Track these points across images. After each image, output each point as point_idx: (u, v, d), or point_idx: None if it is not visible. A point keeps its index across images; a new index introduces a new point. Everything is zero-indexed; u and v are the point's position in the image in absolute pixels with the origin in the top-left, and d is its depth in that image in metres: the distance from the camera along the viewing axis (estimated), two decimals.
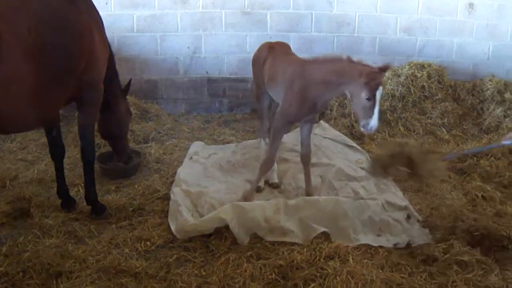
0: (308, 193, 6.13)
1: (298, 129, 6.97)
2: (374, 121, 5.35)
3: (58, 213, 5.75)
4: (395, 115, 9.14)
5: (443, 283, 4.62)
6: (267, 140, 6.77)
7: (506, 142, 5.47)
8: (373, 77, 5.19)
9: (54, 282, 4.46)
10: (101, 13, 5.58)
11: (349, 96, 5.52)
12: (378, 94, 5.27)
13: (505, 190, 6.59)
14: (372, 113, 5.32)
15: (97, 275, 4.56)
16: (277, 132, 5.99)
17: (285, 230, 5.38)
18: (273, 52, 6.47)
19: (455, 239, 5.20)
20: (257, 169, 6.32)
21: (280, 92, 6.01)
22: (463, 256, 4.93)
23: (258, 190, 6.49)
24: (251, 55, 7.06)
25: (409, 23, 9.98)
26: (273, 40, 7.60)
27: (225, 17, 9.47)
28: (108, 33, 5.80)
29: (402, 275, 4.68)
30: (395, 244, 5.33)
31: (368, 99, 5.23)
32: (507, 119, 9.17)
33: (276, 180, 6.63)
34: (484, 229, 5.26)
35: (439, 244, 5.20)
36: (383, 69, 5.39)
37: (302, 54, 6.63)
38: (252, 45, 9.14)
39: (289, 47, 6.92)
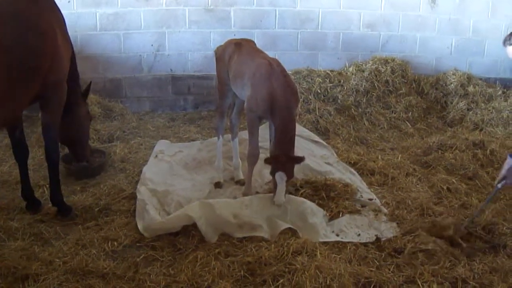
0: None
1: (264, 125, 7.01)
2: (276, 197, 5.53)
3: (23, 215, 5.67)
4: (360, 110, 9.24)
5: (410, 275, 4.68)
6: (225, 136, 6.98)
7: (499, 185, 5.26)
8: (277, 162, 5.51)
9: (21, 285, 4.40)
10: (63, 12, 5.52)
11: None
12: (278, 177, 5.44)
13: (470, 182, 6.71)
14: (275, 189, 5.52)
15: (64, 277, 4.51)
16: (250, 126, 6.00)
17: (254, 225, 5.40)
18: (239, 49, 6.42)
19: (421, 232, 5.28)
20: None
21: (245, 89, 6.00)
22: (429, 248, 5.02)
23: (218, 185, 6.54)
24: None
25: (372, 18, 10.06)
26: (237, 37, 7.60)
27: (189, 14, 9.43)
28: (71, 32, 5.76)
29: (370, 269, 4.73)
30: (365, 242, 5.35)
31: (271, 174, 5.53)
32: (470, 112, 9.36)
33: (241, 177, 6.64)
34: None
35: (405, 237, 5.27)
36: (297, 160, 5.60)
37: (266, 51, 6.62)
38: (216, 42, 9.12)
39: (254, 43, 6.89)
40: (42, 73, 4.99)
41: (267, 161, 5.65)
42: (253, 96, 5.82)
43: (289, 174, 5.52)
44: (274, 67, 5.79)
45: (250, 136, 6.04)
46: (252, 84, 5.87)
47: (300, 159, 5.62)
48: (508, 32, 4.71)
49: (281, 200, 5.51)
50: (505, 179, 5.04)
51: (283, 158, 5.50)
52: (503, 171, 5.06)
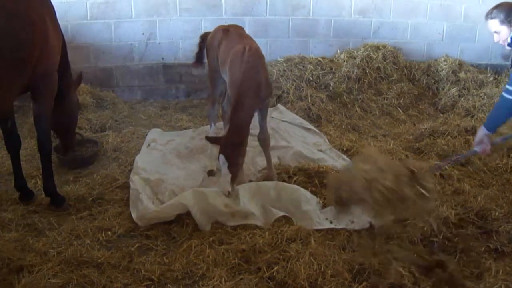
0: (270, 177, 6.15)
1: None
2: (219, 184, 5.55)
3: (16, 206, 5.67)
4: (352, 97, 9.26)
5: (404, 262, 4.69)
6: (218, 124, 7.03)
7: (475, 149, 5.35)
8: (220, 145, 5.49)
9: (16, 276, 4.40)
10: (53, 1, 5.47)
11: None
12: (220, 160, 5.42)
13: (462, 168, 6.70)
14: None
15: (59, 268, 4.51)
16: None
17: (246, 213, 5.40)
18: (227, 35, 6.43)
19: (413, 219, 5.31)
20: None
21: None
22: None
23: (211, 173, 6.53)
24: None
25: (364, 4, 10.04)
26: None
27: (180, 2, 9.39)
28: (61, 21, 5.70)
29: (364, 255, 4.74)
30: (358, 228, 5.35)
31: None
32: (462, 99, 9.38)
33: None
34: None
35: (398, 224, 5.29)
36: (236, 144, 5.49)
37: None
38: (207, 30, 9.03)
39: (243, 30, 6.88)
40: (31, 64, 4.95)
41: (207, 138, 5.77)
42: (228, 82, 5.90)
43: (229, 159, 5.42)
44: (244, 54, 5.75)
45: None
46: (228, 70, 5.94)
47: (238, 144, 5.52)
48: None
49: (225, 188, 5.42)
50: (481, 144, 5.11)
51: (224, 141, 5.50)
52: (477, 137, 5.15)
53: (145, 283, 4.43)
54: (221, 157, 5.41)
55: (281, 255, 4.67)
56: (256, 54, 5.87)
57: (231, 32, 6.50)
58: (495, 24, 4.84)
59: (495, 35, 4.91)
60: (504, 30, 4.81)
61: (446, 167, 6.03)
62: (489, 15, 4.87)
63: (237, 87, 5.60)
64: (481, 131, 5.04)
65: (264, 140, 6.17)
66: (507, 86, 4.72)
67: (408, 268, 4.53)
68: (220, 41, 6.45)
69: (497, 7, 4.83)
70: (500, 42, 4.91)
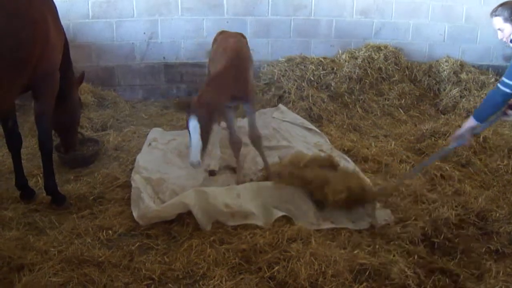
0: (268, 176, 6.13)
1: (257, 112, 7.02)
2: (190, 154, 5.24)
3: (17, 205, 5.66)
4: (353, 97, 9.26)
5: (405, 262, 4.69)
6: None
7: (453, 145, 5.57)
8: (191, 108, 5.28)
9: (16, 275, 4.39)
10: (55, 0, 5.48)
11: None
12: (191, 126, 5.24)
13: (463, 169, 6.72)
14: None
15: (60, 266, 4.51)
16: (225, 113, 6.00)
17: (246, 213, 5.40)
18: (221, 36, 6.53)
19: (414, 220, 5.31)
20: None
21: None
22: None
23: (212, 173, 6.53)
24: (208, 40, 7.08)
25: (366, 5, 10.04)
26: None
27: (181, 1, 9.38)
28: (63, 20, 5.70)
29: (365, 255, 4.74)
30: (359, 228, 5.36)
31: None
32: (463, 99, 9.37)
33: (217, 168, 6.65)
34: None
35: (399, 224, 5.29)
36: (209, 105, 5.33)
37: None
38: (209, 30, 9.13)
39: (242, 36, 6.83)
40: (32, 63, 4.94)
41: (175, 103, 5.59)
42: None
43: (202, 121, 5.26)
44: (227, 52, 5.84)
45: (227, 123, 6.08)
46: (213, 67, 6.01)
47: (213, 105, 5.39)
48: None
49: (195, 158, 5.19)
50: (462, 139, 5.37)
51: (196, 101, 5.33)
52: (461, 130, 5.38)
53: (145, 282, 4.43)
54: (192, 121, 5.25)
55: (281, 255, 4.66)
56: (240, 53, 5.95)
57: (225, 33, 6.57)
58: (499, 22, 4.94)
59: (499, 32, 5.02)
60: (507, 27, 4.90)
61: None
62: (493, 12, 4.98)
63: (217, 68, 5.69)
64: (470, 124, 5.28)
65: (254, 139, 6.13)
66: (504, 78, 4.86)
67: (413, 269, 4.54)
68: (215, 41, 6.53)
69: (502, 5, 4.94)
70: (504, 39, 5.01)
